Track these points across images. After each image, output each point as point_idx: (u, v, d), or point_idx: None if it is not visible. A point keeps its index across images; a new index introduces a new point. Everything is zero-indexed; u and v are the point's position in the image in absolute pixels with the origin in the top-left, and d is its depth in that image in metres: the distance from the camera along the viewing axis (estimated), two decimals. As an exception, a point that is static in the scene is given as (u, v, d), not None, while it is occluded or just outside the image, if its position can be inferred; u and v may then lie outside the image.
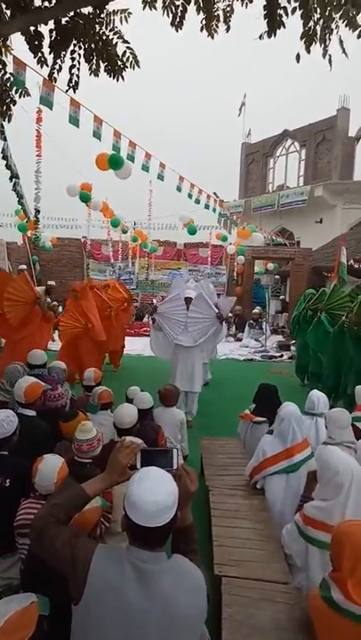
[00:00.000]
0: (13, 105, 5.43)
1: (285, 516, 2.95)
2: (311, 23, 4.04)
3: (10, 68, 5.06)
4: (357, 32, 4.15)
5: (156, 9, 4.65)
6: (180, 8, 4.53)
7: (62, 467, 2.33)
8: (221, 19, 4.42)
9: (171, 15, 4.60)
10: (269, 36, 4.24)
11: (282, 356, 11.35)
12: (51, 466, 2.30)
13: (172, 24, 4.67)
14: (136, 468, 1.67)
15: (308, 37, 4.00)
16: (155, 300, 7.99)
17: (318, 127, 21.76)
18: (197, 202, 8.40)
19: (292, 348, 11.39)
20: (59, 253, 15.67)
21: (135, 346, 11.24)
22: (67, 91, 4.97)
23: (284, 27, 4.03)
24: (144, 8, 4.66)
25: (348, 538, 1.73)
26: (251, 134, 25.61)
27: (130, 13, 4.92)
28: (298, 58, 4.36)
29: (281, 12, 3.97)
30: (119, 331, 8.54)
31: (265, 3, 3.92)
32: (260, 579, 2.23)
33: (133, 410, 3.28)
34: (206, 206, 9.11)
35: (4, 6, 4.34)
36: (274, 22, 4.01)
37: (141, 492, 1.43)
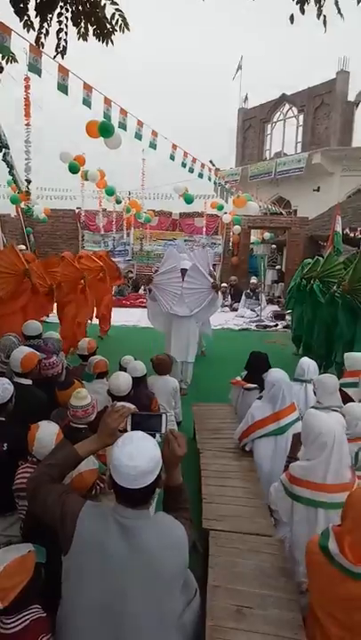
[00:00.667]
0: (0, 72, 5.30)
1: (274, 476, 3.08)
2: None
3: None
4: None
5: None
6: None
7: (58, 433, 2.43)
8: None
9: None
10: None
11: (277, 325, 11.45)
12: (47, 432, 2.39)
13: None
14: (126, 431, 1.76)
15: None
16: (153, 269, 7.97)
17: (317, 91, 21.16)
18: (191, 170, 8.28)
19: (287, 317, 11.49)
20: (53, 225, 15.53)
21: (131, 317, 11.34)
22: (55, 56, 4.85)
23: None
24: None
25: (356, 504, 1.82)
26: (248, 99, 24.92)
27: (118, -28, 4.76)
28: (292, 19, 4.26)
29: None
30: (98, 300, 8.61)
31: None
32: (245, 532, 2.37)
33: (128, 378, 3.38)
34: (200, 175, 8.98)
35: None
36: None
37: (123, 456, 1.52)
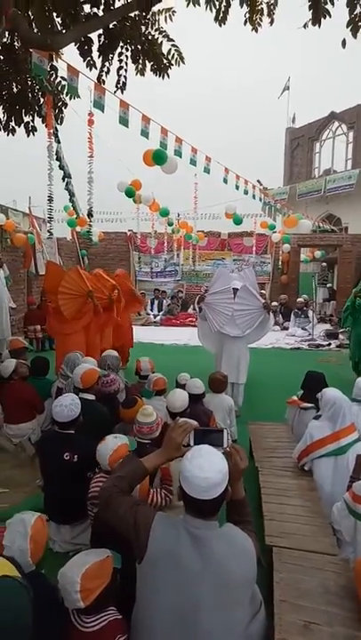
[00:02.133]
0: (65, 108, 5.73)
1: (335, 497, 3.06)
2: (358, 10, 4.03)
3: (60, 73, 5.35)
4: None
5: (199, 5, 4.76)
6: (224, 3, 4.62)
7: (119, 446, 2.60)
8: (265, 12, 4.46)
9: (214, 10, 4.71)
10: (314, 25, 4.26)
11: (330, 344, 11.22)
12: (114, 446, 2.54)
13: (216, 19, 4.75)
14: (190, 446, 1.86)
15: (355, 25, 3.99)
16: (202, 289, 8.06)
17: (367, 107, 20.94)
18: (246, 192, 8.43)
19: (341, 336, 11.24)
20: (105, 247, 16.13)
21: (181, 336, 11.52)
22: (115, 92, 5.19)
23: (330, 16, 4.04)
24: (188, 5, 4.78)
25: None
26: (295, 119, 25.00)
27: (174, 12, 5.06)
28: (344, 44, 4.34)
29: (326, 1, 3.99)
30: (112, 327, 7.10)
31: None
32: (309, 550, 2.38)
33: (185, 394, 3.49)
34: (245, 192, 9.10)
35: (56, 17, 4.60)
36: (319, 11, 4.03)
37: (194, 468, 1.61)
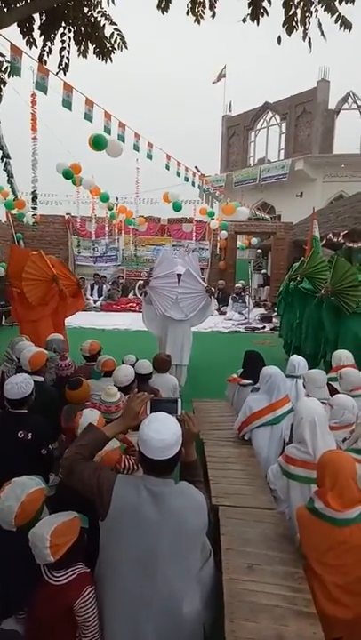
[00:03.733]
0: (4, 86, 5.55)
1: (270, 461, 3.38)
2: (293, 10, 4.29)
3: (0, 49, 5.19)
4: (335, 16, 4.44)
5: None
6: (167, -9, 4.70)
7: (99, 418, 2.73)
8: (207, 5, 4.60)
9: (157, -3, 4.78)
10: (252, 21, 4.47)
11: (264, 327, 11.83)
12: (91, 417, 2.67)
13: (158, 7, 4.82)
14: (146, 415, 2.05)
15: (290, 25, 4.25)
16: (143, 274, 8.17)
17: (299, 99, 21.78)
18: (186, 179, 8.63)
19: (274, 320, 11.86)
20: (43, 231, 15.66)
21: (123, 321, 11.60)
22: (57, 73, 5.13)
23: (267, 14, 4.27)
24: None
25: (329, 463, 2.17)
26: (232, 107, 25.47)
27: (117, -5, 5.06)
28: (279, 40, 4.58)
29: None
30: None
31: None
32: (250, 506, 2.67)
33: (130, 369, 3.69)
34: (186, 179, 9.32)
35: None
36: (257, 9, 4.24)
37: (151, 431, 1.80)
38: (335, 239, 12.96)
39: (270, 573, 2.08)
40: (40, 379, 3.81)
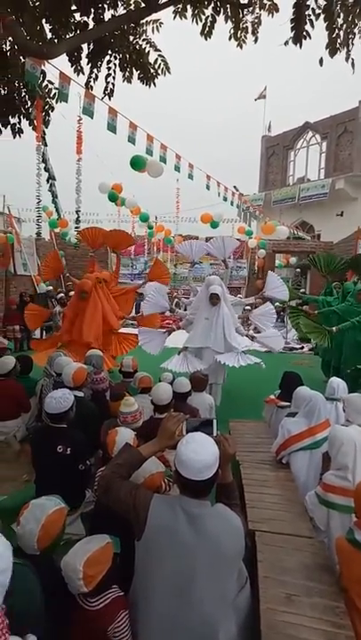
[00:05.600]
0: (52, 111, 5.83)
1: (309, 487, 3.28)
2: (336, 32, 4.30)
3: (49, 76, 5.45)
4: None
5: (186, 18, 4.96)
6: (210, 18, 4.83)
7: (134, 437, 2.71)
8: (250, 30, 4.68)
9: (200, 24, 4.91)
10: (295, 44, 4.51)
11: (303, 347, 11.62)
12: (126, 436, 2.65)
13: (202, 33, 4.96)
14: (183, 436, 2.03)
15: (333, 47, 4.26)
16: (182, 298, 8.23)
17: (340, 119, 21.65)
18: (225, 199, 8.71)
19: (313, 340, 11.62)
20: (83, 248, 16.08)
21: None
22: (102, 98, 5.33)
23: (310, 37, 4.30)
24: (175, 18, 4.98)
25: None
26: (271, 127, 25.60)
27: (161, 23, 5.24)
28: (321, 62, 4.59)
29: (307, 23, 4.24)
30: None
31: (293, 15, 4.19)
32: (288, 533, 2.58)
33: (169, 387, 3.68)
34: (230, 202, 9.40)
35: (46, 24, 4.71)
36: (300, 32, 4.27)
37: (188, 452, 1.78)
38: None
39: (309, 606, 2.00)
40: (80, 394, 3.88)
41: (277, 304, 13.75)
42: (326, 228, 20.80)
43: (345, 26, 4.42)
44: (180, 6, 4.81)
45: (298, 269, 19.01)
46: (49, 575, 1.81)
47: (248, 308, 7.39)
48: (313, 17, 4.17)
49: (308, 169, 23.92)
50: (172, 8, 4.76)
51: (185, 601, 1.74)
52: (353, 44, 4.56)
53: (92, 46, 5.07)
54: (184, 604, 1.74)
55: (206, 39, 4.99)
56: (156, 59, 5.30)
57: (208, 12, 4.84)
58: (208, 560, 1.75)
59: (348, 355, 6.94)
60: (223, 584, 1.81)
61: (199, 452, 1.78)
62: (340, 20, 4.36)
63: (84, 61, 5.25)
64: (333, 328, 6.90)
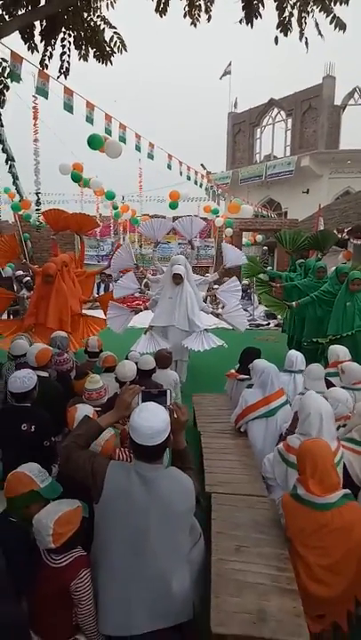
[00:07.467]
0: (6, 91, 5.70)
1: (265, 452, 3.48)
2: (286, 13, 4.36)
3: (1, 55, 5.32)
4: (330, 17, 4.51)
5: (140, -6, 4.92)
6: (164, -5, 4.80)
7: (93, 413, 2.82)
8: (203, 8, 4.69)
9: (155, 1, 4.88)
10: (247, 24, 4.55)
11: (268, 324, 11.91)
12: (86, 411, 2.77)
13: (157, 10, 4.94)
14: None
15: (284, 27, 4.33)
16: (148, 275, 8.29)
17: (304, 96, 21.78)
18: (188, 178, 8.74)
19: (279, 316, 11.93)
20: (49, 230, 15.83)
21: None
22: (58, 77, 5.26)
23: (261, 17, 4.35)
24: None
25: (308, 451, 2.29)
26: (237, 104, 25.51)
27: (116, 0, 5.18)
28: (276, 41, 4.67)
29: (257, 1, 4.29)
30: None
31: (242, -4, 4.22)
32: (242, 493, 2.79)
33: (133, 365, 3.81)
34: (195, 182, 9.45)
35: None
36: (251, 13, 4.33)
37: (140, 419, 1.93)
38: (340, 235, 12.97)
39: (257, 554, 2.20)
40: (45, 374, 3.96)
41: (245, 281, 14.04)
42: (293, 205, 21.09)
43: (298, 4, 4.49)
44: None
45: (265, 247, 19.27)
46: (14, 535, 1.99)
47: (216, 286, 7.52)
48: (263, -3, 4.22)
49: (275, 146, 24.07)
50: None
51: (140, 556, 1.90)
52: (306, 24, 4.63)
53: (45, 23, 4.97)
54: (139, 559, 1.90)
55: (161, 16, 4.96)
56: (112, 36, 5.25)
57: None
58: (160, 517, 1.90)
59: (308, 329, 7.20)
60: (175, 539, 1.98)
61: (150, 420, 1.92)
62: (292, 1, 4.42)
63: (37, 39, 5.16)
64: (294, 303, 7.15)
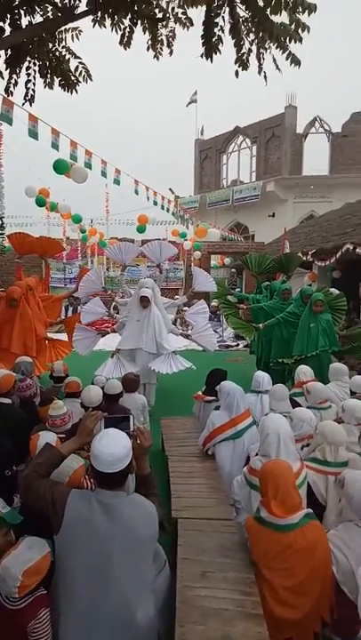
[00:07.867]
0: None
1: (233, 475, 3.47)
2: (245, 49, 4.57)
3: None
4: (286, 53, 4.74)
5: (105, 27, 5.05)
6: (128, 29, 4.96)
7: (57, 440, 2.75)
8: (165, 43, 4.87)
9: (119, 34, 5.03)
10: (206, 59, 4.74)
11: (238, 345, 12.04)
12: (48, 439, 2.68)
13: (121, 43, 5.08)
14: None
15: (242, 62, 4.53)
16: (116, 298, 8.28)
17: (268, 124, 22.61)
18: (155, 203, 8.89)
19: (247, 338, 12.09)
20: (14, 253, 15.65)
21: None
22: (23, 104, 5.30)
23: (220, 53, 4.55)
24: (94, 26, 5.06)
25: (270, 473, 2.31)
26: (204, 131, 26.23)
27: (80, 31, 5.30)
28: (237, 74, 4.87)
29: (216, 39, 4.49)
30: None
31: (202, 32, 4.41)
32: (208, 517, 2.77)
33: (99, 390, 3.77)
34: (161, 206, 9.61)
35: None
36: (210, 49, 4.51)
37: (101, 446, 1.91)
38: (305, 258, 13.35)
39: (222, 579, 2.19)
40: (7, 401, 3.86)
41: (214, 303, 14.21)
42: (260, 228, 21.64)
43: (256, 41, 4.72)
44: (99, 15, 4.90)
45: (233, 269, 19.62)
46: None
47: (186, 308, 7.60)
48: (221, 34, 4.41)
49: (241, 172, 24.76)
50: (91, 17, 4.84)
51: (103, 585, 1.86)
52: (264, 59, 4.86)
53: (9, 52, 5.03)
54: (102, 589, 1.86)
55: (125, 49, 5.10)
56: (77, 66, 5.35)
57: (126, 22, 4.97)
58: (124, 545, 1.88)
59: (276, 350, 7.33)
60: (139, 567, 1.95)
61: (111, 446, 1.90)
62: (250, 38, 4.64)
63: (2, 67, 5.21)
64: (260, 324, 7.28)
